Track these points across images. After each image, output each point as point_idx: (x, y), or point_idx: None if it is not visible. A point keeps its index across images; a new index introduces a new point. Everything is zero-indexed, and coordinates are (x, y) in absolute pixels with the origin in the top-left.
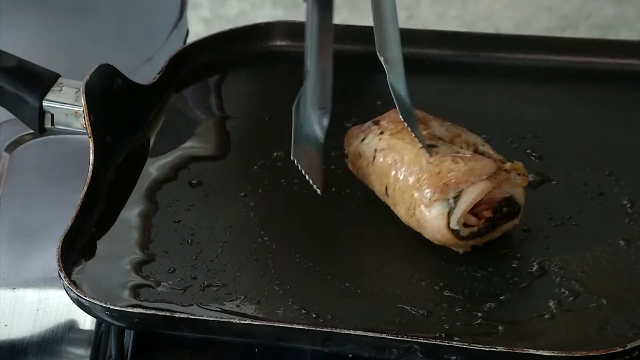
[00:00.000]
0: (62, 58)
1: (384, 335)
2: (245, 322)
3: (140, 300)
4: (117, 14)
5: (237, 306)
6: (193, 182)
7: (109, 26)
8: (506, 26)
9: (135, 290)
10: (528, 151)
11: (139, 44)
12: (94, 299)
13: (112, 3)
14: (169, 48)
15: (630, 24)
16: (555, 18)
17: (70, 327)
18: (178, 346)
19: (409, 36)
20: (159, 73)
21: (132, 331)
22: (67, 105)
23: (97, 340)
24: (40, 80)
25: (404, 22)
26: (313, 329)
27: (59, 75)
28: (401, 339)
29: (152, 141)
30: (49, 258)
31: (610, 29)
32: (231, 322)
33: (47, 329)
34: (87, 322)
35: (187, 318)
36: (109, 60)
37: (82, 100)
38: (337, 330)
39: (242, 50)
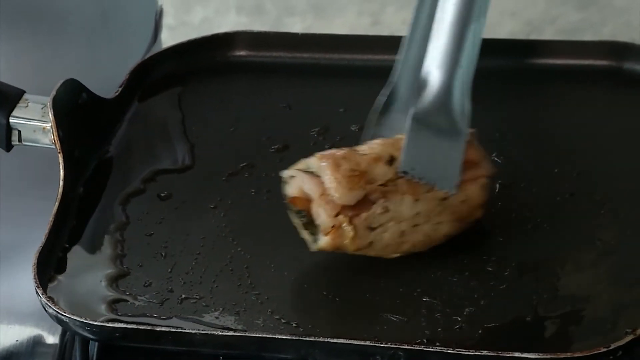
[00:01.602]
0: (33, 83)
1: (368, 343)
2: (228, 334)
3: (119, 315)
4: (89, 38)
5: (216, 318)
6: (162, 194)
7: (82, 51)
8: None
9: (112, 305)
10: (494, 154)
11: (112, 68)
12: (73, 314)
13: (85, 27)
14: None
15: (595, 29)
16: (519, 23)
17: (35, 338)
18: (143, 355)
19: (373, 43)
20: (120, 86)
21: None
22: (34, 121)
23: (62, 351)
24: (5, 97)
25: (369, 29)
26: (298, 338)
27: (24, 92)
28: (386, 345)
29: (119, 154)
30: (15, 269)
31: (575, 34)
32: (214, 334)
33: (11, 340)
34: (51, 334)
35: (169, 331)
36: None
37: (50, 115)
38: (322, 339)
39: (204, 60)
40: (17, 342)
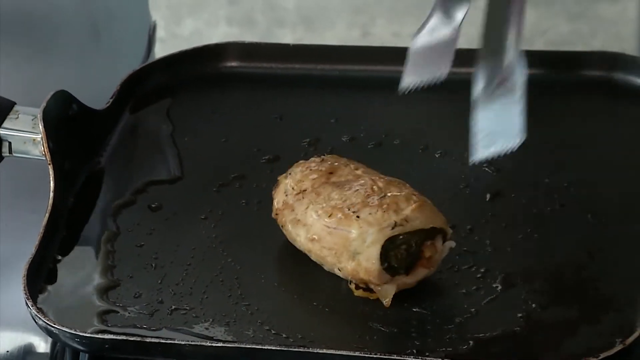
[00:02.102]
0: (25, 96)
1: (357, 354)
2: (217, 345)
3: (109, 326)
4: (81, 52)
5: (206, 329)
6: (153, 205)
7: (74, 64)
8: (460, 43)
9: (103, 316)
10: (485, 165)
11: (105, 82)
12: (63, 326)
13: (77, 41)
14: None
15: (585, 40)
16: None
17: (25, 347)
18: None
19: (365, 54)
20: (112, 97)
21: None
22: (25, 132)
23: None
24: None
25: (359, 41)
26: (287, 349)
27: (15, 103)
28: (375, 356)
29: (109, 165)
30: (5, 280)
31: (566, 45)
32: (203, 345)
33: (2, 351)
34: (42, 344)
35: (159, 342)
36: None
37: (40, 127)
38: (311, 350)
39: (195, 71)
40: (8, 353)
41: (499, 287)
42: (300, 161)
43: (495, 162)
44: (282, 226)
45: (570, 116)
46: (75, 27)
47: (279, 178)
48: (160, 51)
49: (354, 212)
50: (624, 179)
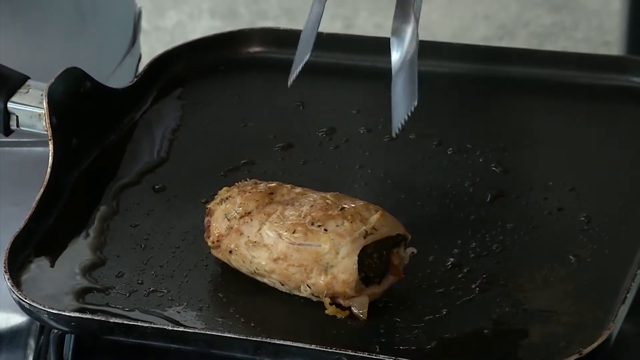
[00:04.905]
0: None
1: (313, 346)
2: (178, 329)
3: (85, 304)
4: (67, 39)
5: (178, 312)
6: (157, 186)
7: (59, 52)
8: (444, 35)
9: (81, 293)
10: (494, 164)
11: (90, 70)
12: (34, 301)
13: (62, 28)
14: (121, 74)
15: (568, 33)
16: (492, 27)
17: (9, 338)
18: (118, 357)
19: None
20: (136, 77)
21: (71, 343)
22: (32, 107)
23: (37, 353)
24: (6, 82)
25: (342, 32)
26: (243, 338)
27: (28, 78)
28: (329, 350)
29: (122, 144)
30: None
31: (548, 38)
32: (164, 329)
33: None
34: (27, 335)
35: (122, 323)
36: None
37: (44, 102)
38: (268, 340)
39: (220, 56)
40: None
41: (477, 289)
42: (227, 187)
43: (504, 162)
44: (229, 252)
45: (584, 120)
46: (61, 14)
47: (209, 206)
48: (144, 44)
49: (319, 226)
50: (627, 188)
